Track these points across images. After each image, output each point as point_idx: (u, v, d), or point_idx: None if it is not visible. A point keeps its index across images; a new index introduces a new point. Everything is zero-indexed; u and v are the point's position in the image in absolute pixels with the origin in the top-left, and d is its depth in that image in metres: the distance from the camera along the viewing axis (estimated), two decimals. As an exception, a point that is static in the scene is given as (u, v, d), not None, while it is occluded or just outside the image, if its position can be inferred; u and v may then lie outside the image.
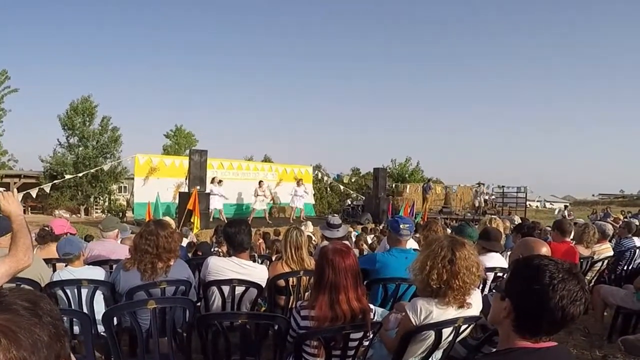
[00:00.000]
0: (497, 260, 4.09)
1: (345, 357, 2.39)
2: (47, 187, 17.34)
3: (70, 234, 4.54)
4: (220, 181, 15.59)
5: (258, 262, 4.08)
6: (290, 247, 3.70)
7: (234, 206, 17.81)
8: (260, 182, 16.62)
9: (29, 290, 0.88)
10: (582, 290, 1.34)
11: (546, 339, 1.40)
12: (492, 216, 6.63)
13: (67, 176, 20.08)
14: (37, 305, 0.83)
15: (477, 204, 22.59)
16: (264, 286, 3.48)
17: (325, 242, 4.87)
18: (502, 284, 1.51)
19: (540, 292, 1.32)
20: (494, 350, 1.63)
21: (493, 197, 24.30)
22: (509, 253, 4.24)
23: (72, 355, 0.90)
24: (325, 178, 27.79)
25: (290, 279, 3.58)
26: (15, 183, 25.49)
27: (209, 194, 14.20)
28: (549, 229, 7.36)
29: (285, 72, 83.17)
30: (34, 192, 16.22)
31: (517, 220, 10.16)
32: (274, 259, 5.06)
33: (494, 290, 1.58)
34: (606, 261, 5.33)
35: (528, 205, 24.81)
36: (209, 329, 2.85)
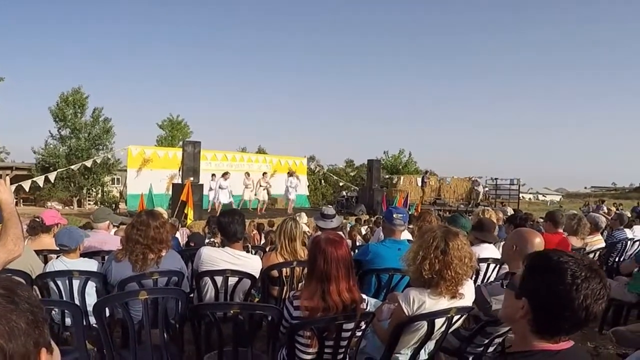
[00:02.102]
0: (491, 251, 4.10)
1: (338, 348, 2.38)
2: (40, 180, 17.18)
3: (62, 224, 4.50)
4: (226, 173, 15.67)
5: (252, 253, 4.07)
6: (284, 238, 3.69)
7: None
8: (246, 173, 16.69)
9: (5, 277, 0.86)
10: (604, 288, 1.28)
11: (565, 338, 1.33)
12: (486, 207, 6.64)
13: (59, 169, 19.85)
14: (14, 292, 0.81)
15: (474, 196, 22.67)
16: (257, 277, 3.47)
17: (319, 233, 4.86)
18: (515, 281, 1.41)
19: (563, 292, 1.25)
20: (509, 347, 1.56)
21: (486, 189, 24.39)
22: (502, 244, 4.25)
23: (52, 342, 0.87)
24: (319, 169, 27.79)
25: (284, 270, 3.57)
26: (7, 175, 25.26)
27: (202, 185, 14.18)
28: (542, 220, 7.40)
29: (279, 65, 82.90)
30: (26, 185, 16.07)
31: (510, 211, 10.19)
32: (267, 250, 5.04)
33: (505, 287, 1.51)
34: (598, 253, 5.37)
35: (521, 197, 24.95)
36: (202, 319, 2.83)
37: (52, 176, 17.52)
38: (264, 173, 17.09)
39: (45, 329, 0.84)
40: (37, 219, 4.46)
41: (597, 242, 5.50)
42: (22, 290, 0.83)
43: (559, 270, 1.27)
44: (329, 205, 6.59)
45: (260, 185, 16.49)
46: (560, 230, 5.03)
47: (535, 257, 1.40)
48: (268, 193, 17.58)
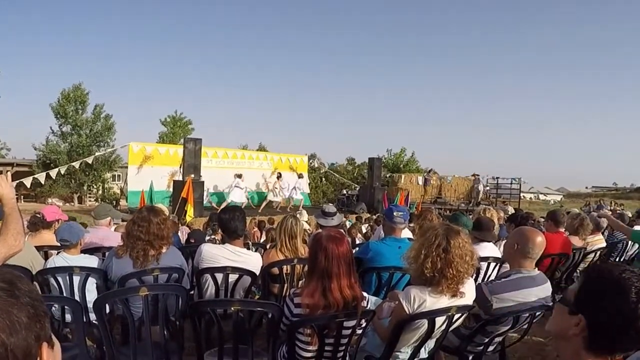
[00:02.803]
0: (490, 249, 4.09)
1: (339, 346, 2.38)
2: (41, 177, 17.18)
3: (63, 220, 4.49)
4: (240, 175, 15.74)
5: (252, 250, 4.06)
6: (284, 235, 3.68)
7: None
8: (239, 174, 16.66)
9: (6, 271, 0.84)
10: None
11: (620, 356, 1.25)
12: (487, 206, 6.64)
13: (61, 166, 19.65)
14: (15, 286, 0.80)
15: (474, 195, 22.65)
16: (257, 274, 3.46)
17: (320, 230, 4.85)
18: (569, 296, 1.32)
19: (627, 311, 1.17)
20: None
21: (487, 188, 24.36)
22: (503, 242, 4.25)
23: (53, 336, 0.86)
24: (320, 167, 27.79)
25: (284, 267, 3.56)
26: (7, 171, 25.25)
27: (203, 182, 14.18)
28: (543, 219, 7.40)
29: (281, 62, 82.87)
30: (27, 182, 16.06)
31: (511, 210, 10.18)
32: (268, 247, 5.04)
33: (557, 301, 1.45)
34: (599, 252, 5.36)
35: (522, 197, 24.94)
36: (202, 316, 2.83)
37: (53, 173, 17.50)
38: (279, 176, 17.18)
39: (47, 323, 0.83)
40: (38, 215, 4.45)
41: (598, 242, 5.49)
42: (22, 284, 0.82)
43: (622, 287, 1.19)
44: (330, 203, 6.59)
45: (275, 187, 16.59)
46: (562, 230, 5.02)
47: (595, 272, 1.32)
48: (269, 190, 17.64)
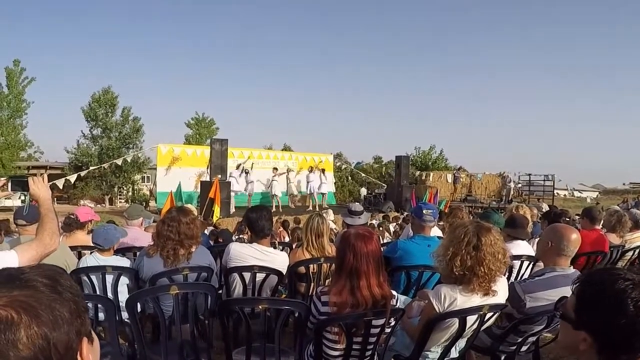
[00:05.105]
0: (524, 248, 3.98)
1: (367, 344, 2.35)
2: (72, 178, 17.75)
3: (96, 221, 4.59)
4: (240, 167, 15.93)
5: (279, 249, 4.07)
6: (310, 234, 3.67)
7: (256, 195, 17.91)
8: (274, 168, 16.90)
9: (48, 267, 0.87)
10: None
11: None
12: (519, 204, 6.48)
13: (92, 167, 20.33)
14: (57, 282, 0.82)
15: (505, 192, 22.16)
16: (284, 273, 3.47)
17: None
18: (568, 311, 1.25)
19: (628, 325, 1.11)
20: None
21: (519, 185, 23.81)
22: (536, 240, 4.13)
23: (92, 332, 0.88)
24: (346, 166, 27.71)
25: (311, 266, 3.56)
26: (42, 174, 26.14)
27: (229, 183, 14.32)
28: (578, 217, 7.17)
29: (305, 60, 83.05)
30: (60, 183, 16.62)
31: (545, 207, 9.89)
32: (294, 246, 5.04)
33: (557, 316, 1.39)
34: (638, 250, 5.16)
35: (556, 194, 24.33)
36: (231, 315, 2.85)
37: (83, 173, 18.05)
38: (274, 168, 17.22)
39: (87, 319, 0.85)
40: (72, 216, 4.56)
41: (637, 239, 5.28)
42: (64, 280, 0.84)
43: (616, 299, 1.12)
44: (356, 202, 6.55)
45: (273, 180, 16.68)
46: (598, 227, 4.85)
47: (585, 284, 1.23)
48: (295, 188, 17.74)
